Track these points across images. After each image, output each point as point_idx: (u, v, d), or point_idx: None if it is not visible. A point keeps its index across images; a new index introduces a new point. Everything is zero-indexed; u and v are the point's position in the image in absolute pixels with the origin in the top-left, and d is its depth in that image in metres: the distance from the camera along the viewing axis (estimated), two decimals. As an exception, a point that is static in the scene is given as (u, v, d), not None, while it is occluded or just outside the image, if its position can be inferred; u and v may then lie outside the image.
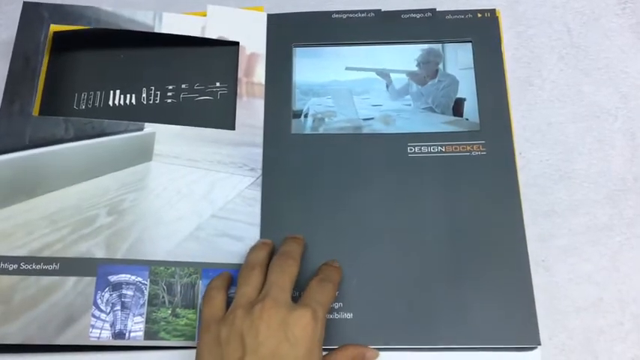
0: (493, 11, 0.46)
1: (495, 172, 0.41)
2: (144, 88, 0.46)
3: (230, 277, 0.39)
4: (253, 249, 0.39)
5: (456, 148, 0.42)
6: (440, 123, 0.43)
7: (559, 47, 0.46)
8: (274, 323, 0.32)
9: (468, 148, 0.42)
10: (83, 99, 0.46)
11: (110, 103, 0.45)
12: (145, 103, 0.45)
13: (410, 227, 0.40)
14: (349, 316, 0.38)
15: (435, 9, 0.46)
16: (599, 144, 0.44)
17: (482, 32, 0.46)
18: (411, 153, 0.42)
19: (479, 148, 0.42)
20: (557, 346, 0.39)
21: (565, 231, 0.41)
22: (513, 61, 0.46)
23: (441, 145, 0.42)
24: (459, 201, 0.41)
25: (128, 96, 0.46)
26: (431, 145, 0.42)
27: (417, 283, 0.39)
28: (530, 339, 0.37)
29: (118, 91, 0.46)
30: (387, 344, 0.38)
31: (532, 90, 0.45)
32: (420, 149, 0.42)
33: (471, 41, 0.45)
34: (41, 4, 0.46)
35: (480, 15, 0.46)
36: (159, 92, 0.46)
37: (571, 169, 0.43)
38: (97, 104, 0.45)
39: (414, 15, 0.47)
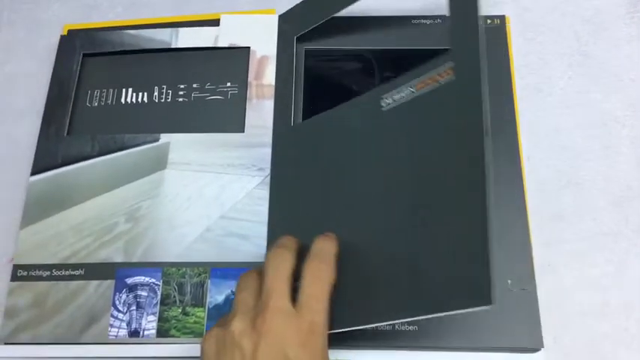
0: (503, 17, 0.47)
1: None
2: (156, 87, 0.47)
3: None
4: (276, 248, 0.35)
5: (427, 83, 0.36)
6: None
7: (568, 55, 0.47)
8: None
9: (437, 77, 0.35)
10: (96, 96, 0.47)
11: (122, 100, 0.46)
12: (156, 101, 0.46)
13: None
14: None
15: (445, 15, 0.47)
16: (606, 151, 0.44)
17: (490, 36, 0.45)
18: (384, 107, 0.38)
19: (447, 72, 0.35)
20: (562, 349, 0.39)
21: (571, 236, 0.42)
22: (522, 68, 0.46)
23: (411, 86, 0.36)
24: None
25: (140, 94, 0.46)
26: (403, 89, 0.37)
27: None
28: (533, 341, 0.37)
29: (130, 90, 0.47)
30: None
31: (540, 96, 0.46)
32: (393, 99, 0.37)
33: None
34: (76, 34, 0.49)
35: (489, 21, 0.47)
36: (170, 91, 0.46)
37: (578, 175, 0.43)
38: (109, 101, 0.46)
39: (424, 21, 0.47)
